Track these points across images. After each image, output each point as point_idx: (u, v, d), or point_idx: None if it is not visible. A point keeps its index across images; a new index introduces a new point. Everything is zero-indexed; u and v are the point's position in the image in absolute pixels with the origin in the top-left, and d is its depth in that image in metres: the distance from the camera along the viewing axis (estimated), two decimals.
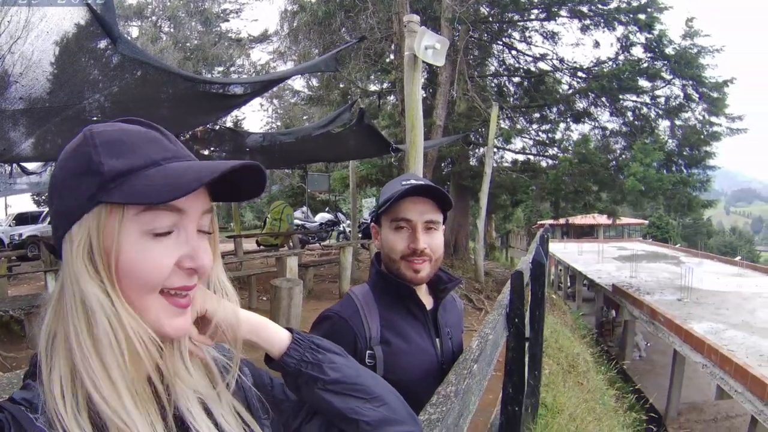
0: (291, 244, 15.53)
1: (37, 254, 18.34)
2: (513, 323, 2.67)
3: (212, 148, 9.85)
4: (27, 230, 21.82)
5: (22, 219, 23.58)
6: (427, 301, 1.78)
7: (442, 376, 1.64)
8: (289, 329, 1.00)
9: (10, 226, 23.36)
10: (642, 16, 14.13)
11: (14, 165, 14.04)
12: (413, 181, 1.69)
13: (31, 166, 15.14)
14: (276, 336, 0.97)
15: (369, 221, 15.43)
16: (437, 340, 1.75)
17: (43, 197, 33.40)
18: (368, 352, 1.62)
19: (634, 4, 14.19)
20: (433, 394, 1.41)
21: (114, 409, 0.72)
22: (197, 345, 0.90)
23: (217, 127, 9.52)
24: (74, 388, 0.73)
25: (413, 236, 1.67)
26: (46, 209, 24.76)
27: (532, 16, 15.84)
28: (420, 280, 1.70)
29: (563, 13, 15.13)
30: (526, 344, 3.13)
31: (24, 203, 36.32)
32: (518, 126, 17.21)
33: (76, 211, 0.76)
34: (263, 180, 0.85)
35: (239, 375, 0.96)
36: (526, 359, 3.23)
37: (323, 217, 25.66)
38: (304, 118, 30.44)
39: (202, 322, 0.90)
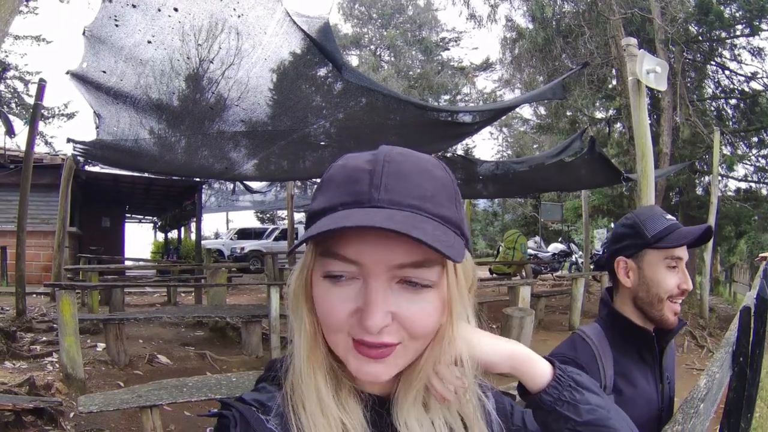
0: (524, 273, 15.32)
1: (260, 268, 19.86)
2: (738, 362, 2.53)
3: None
4: (249, 245, 23.32)
5: (244, 234, 25.14)
6: None
7: (660, 425, 1.58)
8: (551, 361, 0.91)
9: (231, 239, 24.99)
10: None
11: (236, 183, 15.52)
12: (672, 218, 1.65)
13: (255, 185, 16.59)
14: (539, 371, 0.88)
15: (601, 252, 14.82)
16: (660, 386, 1.67)
17: (268, 215, 35.62)
18: None
19: None
20: None
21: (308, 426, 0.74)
22: (447, 388, 0.83)
23: (449, 155, 9.84)
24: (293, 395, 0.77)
25: (683, 276, 1.62)
26: (271, 227, 27.13)
27: (737, 32, 14.60)
28: (675, 323, 1.65)
29: (765, 26, 13.78)
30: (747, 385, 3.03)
31: (247, 219, 39.12)
32: (738, 151, 15.94)
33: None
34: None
35: (484, 399, 0.90)
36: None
37: (556, 247, 24.65)
38: (534, 146, 30.31)
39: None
